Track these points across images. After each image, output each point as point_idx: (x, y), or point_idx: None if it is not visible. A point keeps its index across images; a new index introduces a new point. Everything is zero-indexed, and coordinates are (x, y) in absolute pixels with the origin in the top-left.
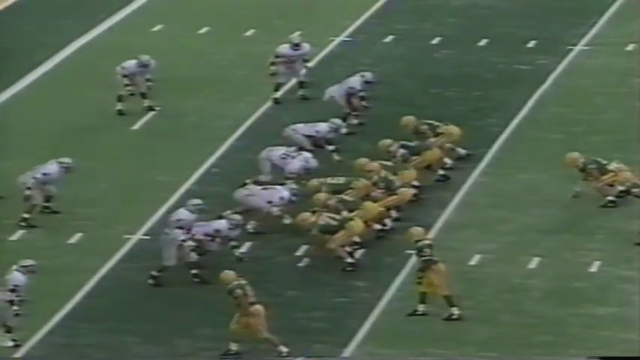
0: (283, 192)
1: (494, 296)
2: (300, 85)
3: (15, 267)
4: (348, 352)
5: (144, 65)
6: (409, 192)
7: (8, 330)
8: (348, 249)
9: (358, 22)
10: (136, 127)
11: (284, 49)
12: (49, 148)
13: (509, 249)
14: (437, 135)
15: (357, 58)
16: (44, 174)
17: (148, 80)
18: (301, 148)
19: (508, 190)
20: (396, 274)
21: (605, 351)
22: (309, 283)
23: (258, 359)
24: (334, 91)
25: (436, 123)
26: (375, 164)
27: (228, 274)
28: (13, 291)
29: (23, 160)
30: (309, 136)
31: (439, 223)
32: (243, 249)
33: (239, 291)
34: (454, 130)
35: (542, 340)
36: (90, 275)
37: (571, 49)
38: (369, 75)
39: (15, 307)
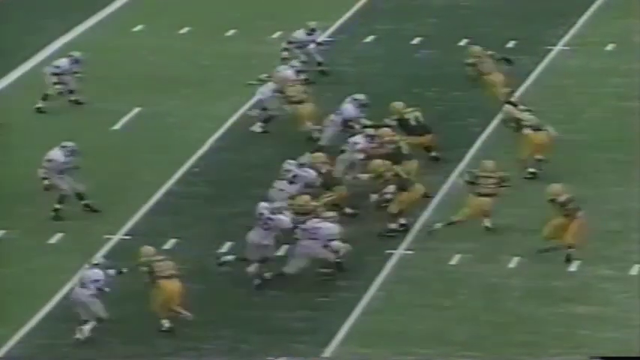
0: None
1: (474, 296)
2: (318, 64)
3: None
4: (328, 351)
5: (76, 62)
6: (420, 188)
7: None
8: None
9: (339, 22)
10: (116, 127)
11: (299, 34)
12: (30, 147)
13: (489, 248)
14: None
15: (338, 58)
16: (48, 160)
17: (75, 73)
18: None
19: None
20: (376, 274)
21: (585, 350)
22: (289, 282)
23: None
24: (331, 128)
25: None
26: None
27: (147, 250)
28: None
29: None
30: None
31: (419, 224)
32: (224, 249)
33: (146, 268)
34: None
35: (522, 339)
36: (70, 275)
37: (551, 49)
38: (360, 97)
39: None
